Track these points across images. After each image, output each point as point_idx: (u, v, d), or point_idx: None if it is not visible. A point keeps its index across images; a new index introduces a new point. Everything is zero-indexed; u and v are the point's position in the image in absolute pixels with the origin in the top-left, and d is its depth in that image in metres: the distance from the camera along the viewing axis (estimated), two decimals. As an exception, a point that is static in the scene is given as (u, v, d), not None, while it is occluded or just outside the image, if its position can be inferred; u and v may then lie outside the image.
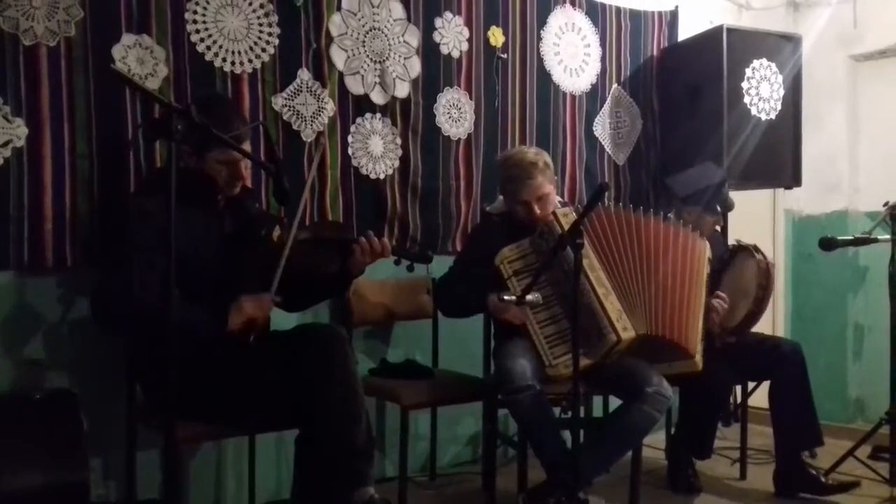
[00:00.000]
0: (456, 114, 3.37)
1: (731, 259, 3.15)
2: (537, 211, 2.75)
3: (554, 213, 2.65)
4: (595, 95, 3.81)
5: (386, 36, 3.17)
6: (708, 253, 2.78)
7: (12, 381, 2.44)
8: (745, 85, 3.64)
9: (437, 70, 3.31)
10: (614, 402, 2.91)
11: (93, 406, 2.45)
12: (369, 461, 2.22)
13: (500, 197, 2.94)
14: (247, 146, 2.31)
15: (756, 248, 3.06)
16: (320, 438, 2.14)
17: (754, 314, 2.99)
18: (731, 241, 3.35)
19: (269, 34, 2.88)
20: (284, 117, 2.93)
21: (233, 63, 2.81)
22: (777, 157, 3.78)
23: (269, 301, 2.19)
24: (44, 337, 2.50)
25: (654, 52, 4.01)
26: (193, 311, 2.08)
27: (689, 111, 3.78)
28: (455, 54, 3.36)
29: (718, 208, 3.20)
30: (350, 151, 3.10)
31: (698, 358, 2.63)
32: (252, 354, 2.20)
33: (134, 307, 2.06)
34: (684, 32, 4.06)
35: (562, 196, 3.60)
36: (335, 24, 3.04)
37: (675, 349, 2.62)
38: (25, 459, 2.12)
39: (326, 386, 2.15)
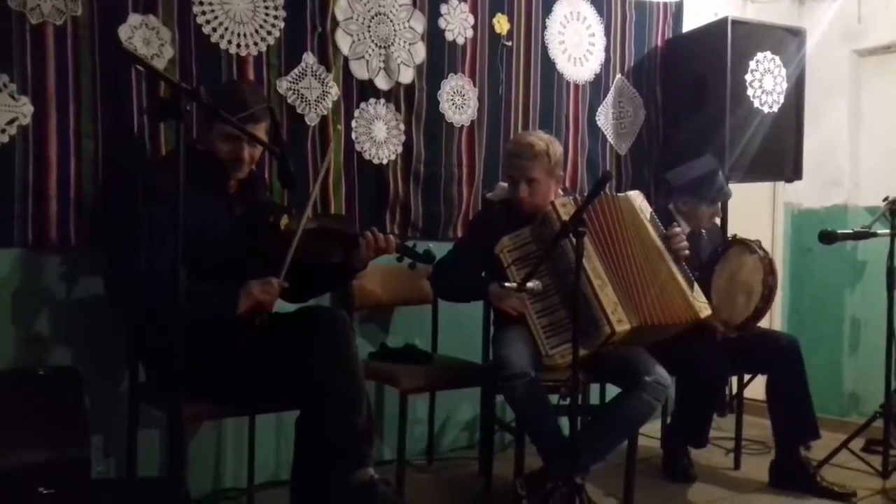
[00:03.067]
0: (459, 100, 3.38)
1: (726, 250, 3.14)
2: (521, 193, 2.76)
3: (552, 204, 2.65)
4: (598, 85, 3.81)
5: (391, 21, 3.17)
6: (638, 202, 2.75)
7: (16, 358, 2.46)
8: (748, 77, 3.64)
9: (441, 56, 3.32)
10: (611, 390, 2.94)
11: (95, 384, 2.47)
12: (369, 443, 2.23)
13: (501, 184, 2.95)
14: (261, 130, 2.30)
15: (758, 245, 3.05)
16: (321, 420, 2.16)
17: (761, 311, 2.98)
18: (730, 234, 3.35)
19: (275, 17, 2.89)
20: (289, 101, 2.94)
21: (238, 45, 2.81)
22: (778, 150, 3.78)
23: (277, 285, 2.19)
24: (48, 314, 2.51)
25: (659, 43, 4.01)
26: (204, 291, 2.09)
27: (692, 103, 3.78)
28: (460, 41, 3.36)
29: (714, 198, 3.20)
30: (353, 136, 3.11)
31: (701, 312, 2.65)
32: (255, 335, 2.21)
33: (149, 287, 2.08)
34: (689, 24, 4.05)
35: (564, 185, 3.61)
36: (341, 8, 3.04)
37: (678, 326, 2.65)
38: (28, 435, 2.13)
39: (328, 368, 2.17)
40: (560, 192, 2.89)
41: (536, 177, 2.75)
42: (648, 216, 2.75)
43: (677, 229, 2.77)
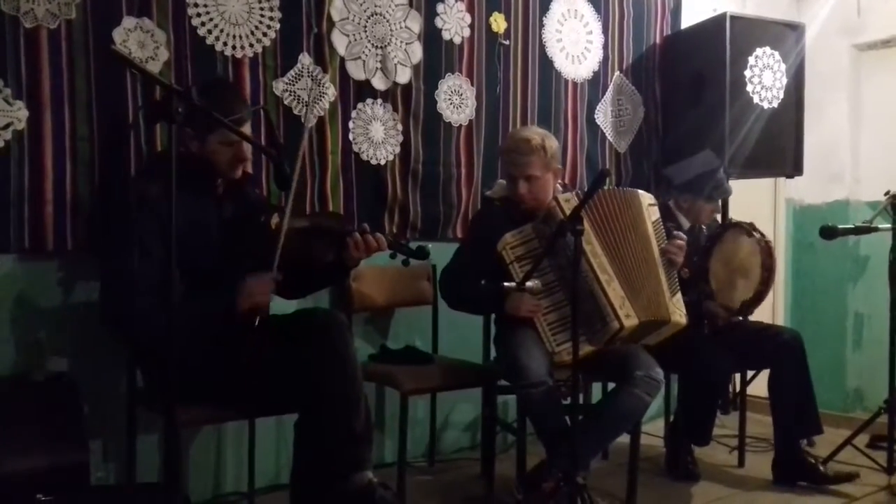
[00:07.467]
0: (457, 100, 3.36)
1: (721, 233, 3.13)
2: (521, 190, 2.74)
3: (556, 199, 2.64)
4: (597, 83, 3.80)
5: (387, 21, 3.16)
6: (646, 202, 2.74)
7: (13, 364, 2.44)
8: (747, 73, 3.63)
9: (438, 56, 3.30)
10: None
11: (93, 389, 2.46)
12: (368, 446, 2.23)
13: (500, 181, 2.94)
14: (247, 129, 2.31)
15: (753, 227, 3.04)
16: (319, 423, 2.16)
17: (761, 293, 2.99)
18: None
19: (271, 18, 2.87)
20: (285, 102, 2.92)
21: (234, 47, 2.80)
22: (779, 145, 3.77)
23: (271, 282, 2.20)
24: (44, 320, 2.50)
25: (657, 40, 4.00)
26: (201, 303, 2.11)
27: (691, 99, 3.77)
28: (457, 40, 3.35)
29: (713, 194, 3.20)
30: (351, 137, 3.09)
31: (673, 316, 2.65)
32: (252, 338, 2.20)
33: (142, 324, 2.09)
34: (687, 20, 4.05)
35: (564, 180, 3.60)
36: (337, 8, 3.03)
37: (662, 323, 2.67)
38: (26, 442, 2.12)
39: (326, 371, 2.15)
40: (559, 187, 2.87)
41: (534, 173, 2.74)
42: (653, 220, 2.74)
43: (679, 242, 2.75)
